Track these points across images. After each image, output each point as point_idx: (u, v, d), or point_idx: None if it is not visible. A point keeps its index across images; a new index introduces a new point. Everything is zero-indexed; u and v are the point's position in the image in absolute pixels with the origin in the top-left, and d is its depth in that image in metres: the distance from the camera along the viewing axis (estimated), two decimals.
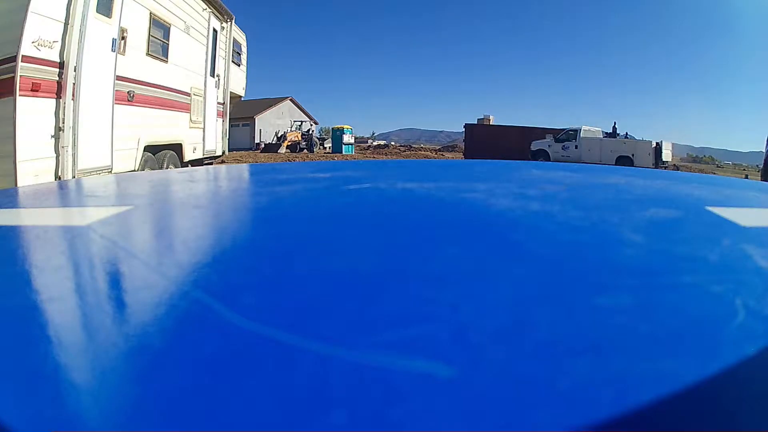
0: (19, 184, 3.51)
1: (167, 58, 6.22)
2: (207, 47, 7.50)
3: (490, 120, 33.01)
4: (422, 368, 0.31)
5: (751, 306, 0.40)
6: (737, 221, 0.71)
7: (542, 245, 0.59)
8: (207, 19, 7.47)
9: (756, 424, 0.28)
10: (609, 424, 0.26)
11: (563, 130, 20.65)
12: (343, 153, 23.68)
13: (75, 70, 4.23)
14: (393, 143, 47.85)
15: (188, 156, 7.05)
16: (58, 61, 4.09)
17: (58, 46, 4.07)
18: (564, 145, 19.87)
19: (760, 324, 0.38)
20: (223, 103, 8.48)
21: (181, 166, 6.66)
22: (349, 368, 0.31)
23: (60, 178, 4.04)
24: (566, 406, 0.28)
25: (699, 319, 0.39)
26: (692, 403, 0.29)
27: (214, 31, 7.81)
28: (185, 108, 6.88)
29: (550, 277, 0.48)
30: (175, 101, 6.49)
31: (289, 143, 25.09)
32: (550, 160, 18.68)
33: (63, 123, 4.10)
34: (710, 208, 0.82)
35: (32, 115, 3.82)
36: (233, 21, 8.62)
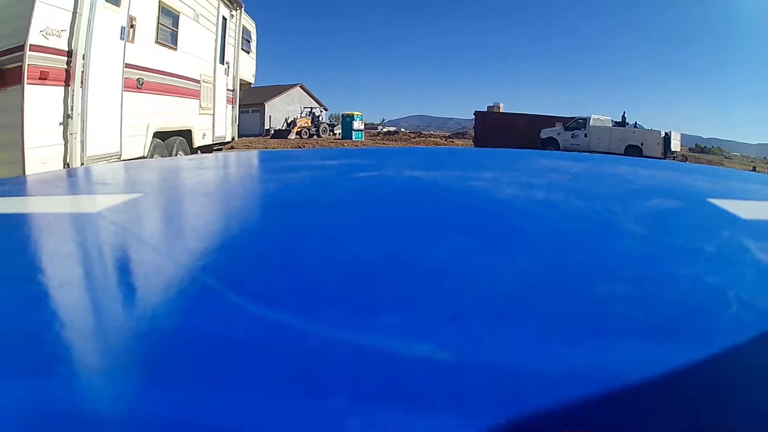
0: (28, 171, 3.52)
1: (176, 45, 6.19)
2: (216, 35, 7.47)
3: (500, 107, 32.53)
4: (424, 352, 0.32)
5: (747, 297, 0.41)
6: (738, 213, 0.71)
7: (545, 234, 0.60)
8: (216, 6, 7.42)
9: (749, 412, 0.29)
10: (604, 410, 0.27)
11: (573, 118, 20.36)
12: (353, 139, 23.50)
13: (83, 59, 4.22)
14: (403, 130, 47.48)
15: (198, 142, 7.05)
16: (67, 49, 4.07)
17: (66, 34, 4.05)
18: (573, 134, 19.62)
19: (755, 315, 0.39)
20: (233, 89, 8.45)
21: (191, 153, 6.68)
22: (353, 351, 0.32)
23: (68, 165, 4.05)
24: (563, 391, 0.29)
25: (696, 309, 0.40)
26: (687, 390, 0.29)
27: (224, 18, 7.76)
28: (194, 95, 6.87)
29: (552, 266, 0.48)
30: (184, 88, 6.48)
31: (299, 129, 24.96)
32: (559, 149, 18.47)
33: (71, 110, 4.10)
34: (712, 200, 0.82)
35: (40, 103, 3.81)
36: (242, 9, 8.56)
